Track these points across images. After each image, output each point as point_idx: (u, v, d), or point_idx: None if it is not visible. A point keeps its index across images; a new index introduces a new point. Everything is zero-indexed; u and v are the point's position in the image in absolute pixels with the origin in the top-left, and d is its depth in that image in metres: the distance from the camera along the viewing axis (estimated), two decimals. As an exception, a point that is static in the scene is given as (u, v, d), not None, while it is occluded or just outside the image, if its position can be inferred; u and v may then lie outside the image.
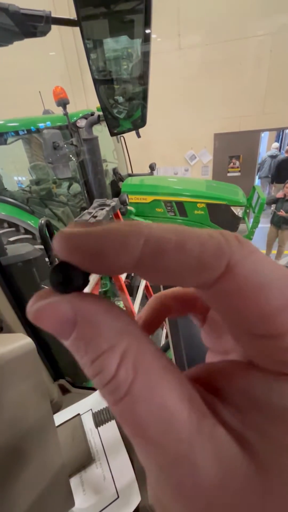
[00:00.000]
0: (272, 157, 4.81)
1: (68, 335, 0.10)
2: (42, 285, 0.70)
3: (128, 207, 2.56)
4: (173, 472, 0.08)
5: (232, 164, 4.43)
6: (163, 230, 0.09)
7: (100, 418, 0.54)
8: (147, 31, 0.69)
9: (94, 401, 0.68)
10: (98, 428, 0.55)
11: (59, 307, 0.10)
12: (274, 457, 0.08)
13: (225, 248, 0.09)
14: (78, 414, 0.63)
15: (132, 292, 2.00)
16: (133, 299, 1.76)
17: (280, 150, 4.95)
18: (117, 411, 0.09)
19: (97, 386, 0.10)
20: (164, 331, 1.75)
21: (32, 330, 0.71)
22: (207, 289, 0.10)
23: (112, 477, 0.52)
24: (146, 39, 0.71)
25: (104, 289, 2.30)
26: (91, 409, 0.66)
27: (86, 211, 1.38)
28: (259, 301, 0.09)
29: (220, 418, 0.09)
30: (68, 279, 0.10)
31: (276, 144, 5.07)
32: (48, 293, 0.10)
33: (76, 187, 2.71)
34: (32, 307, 0.10)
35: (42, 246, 0.90)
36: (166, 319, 0.21)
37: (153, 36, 0.74)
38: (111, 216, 1.48)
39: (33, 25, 0.57)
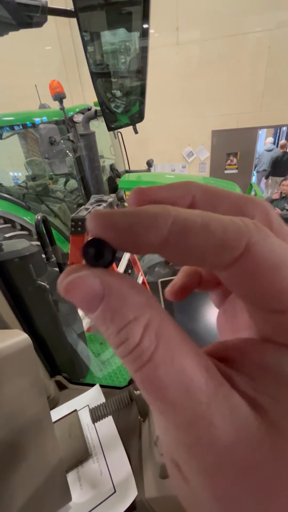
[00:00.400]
0: (269, 151, 4.82)
1: (96, 308, 0.10)
2: (39, 281, 0.69)
3: (125, 204, 2.55)
4: (191, 431, 0.09)
5: (229, 161, 4.43)
6: (189, 213, 0.10)
7: (97, 414, 0.54)
8: (145, 25, 0.68)
9: (91, 397, 0.68)
10: (95, 423, 0.56)
11: (89, 281, 0.10)
12: (284, 418, 0.09)
13: (245, 231, 0.10)
14: (75, 410, 0.64)
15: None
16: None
17: (275, 144, 4.96)
18: (139, 376, 0.10)
19: (121, 354, 0.10)
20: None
21: (28, 326, 0.70)
22: (225, 269, 0.11)
23: (109, 472, 0.53)
24: (145, 33, 0.70)
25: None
26: (88, 405, 0.66)
27: (83, 207, 1.37)
28: (275, 278, 0.10)
29: (234, 385, 0.10)
30: (100, 254, 0.11)
31: (271, 139, 5.08)
32: (77, 268, 0.11)
33: (73, 183, 2.69)
34: (63, 280, 0.11)
35: (38, 242, 0.89)
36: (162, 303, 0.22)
37: (151, 31, 0.73)
38: (108, 212, 1.48)
39: (28, 15, 0.56)
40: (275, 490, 0.09)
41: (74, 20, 0.66)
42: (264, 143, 5.05)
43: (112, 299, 0.10)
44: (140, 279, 1.86)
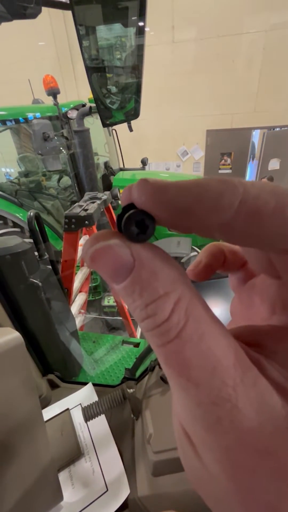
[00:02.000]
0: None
1: (123, 279, 0.10)
2: (31, 279, 0.68)
3: (120, 202, 2.54)
4: (213, 411, 0.09)
5: (223, 161, 4.45)
6: (260, 190, 0.09)
7: (89, 413, 0.54)
8: (141, 23, 0.67)
9: (83, 396, 0.68)
10: (88, 422, 0.55)
11: (119, 250, 0.10)
12: None
13: None
14: (67, 409, 0.63)
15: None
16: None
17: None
18: (163, 351, 0.10)
19: (146, 328, 0.10)
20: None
21: (20, 324, 0.69)
22: None
23: (101, 471, 0.52)
24: (141, 31, 0.69)
25: (94, 284, 2.29)
26: (80, 404, 0.66)
27: (77, 204, 1.36)
28: None
29: (263, 371, 0.10)
30: (142, 229, 0.10)
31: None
32: (105, 235, 0.10)
33: (66, 180, 2.66)
34: (91, 247, 0.10)
35: (31, 240, 0.88)
36: None
37: (146, 29, 0.72)
38: (102, 210, 1.47)
39: (22, 5, 0.54)
40: None
41: (69, 14, 0.64)
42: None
43: (143, 272, 0.10)
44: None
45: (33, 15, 0.56)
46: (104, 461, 0.54)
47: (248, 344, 0.11)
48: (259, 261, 0.14)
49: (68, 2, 0.51)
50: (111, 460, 0.54)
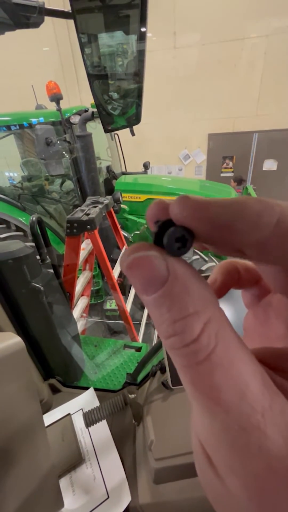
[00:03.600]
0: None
1: (154, 290, 0.10)
2: (33, 283, 0.68)
3: (122, 205, 2.55)
4: (241, 436, 0.09)
5: (225, 164, 4.46)
6: None
7: (91, 418, 0.53)
8: (143, 29, 0.68)
9: (85, 401, 0.68)
10: (89, 428, 0.55)
11: (156, 262, 0.10)
12: None
13: None
14: (69, 414, 0.63)
15: (125, 291, 1.99)
16: (126, 298, 1.75)
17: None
18: (190, 372, 0.10)
19: (172, 345, 0.10)
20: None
21: (22, 328, 0.69)
22: None
23: (102, 477, 0.52)
24: (142, 37, 0.70)
25: (96, 288, 2.29)
26: (82, 409, 0.65)
27: (79, 208, 1.36)
28: None
29: None
30: (183, 244, 0.11)
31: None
32: (143, 246, 0.11)
33: (69, 184, 2.68)
34: (129, 256, 0.10)
35: (33, 243, 0.88)
36: None
37: (148, 34, 0.73)
38: (104, 214, 1.47)
39: (25, 15, 0.56)
40: None
41: (71, 22, 0.66)
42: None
43: (176, 286, 0.10)
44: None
45: (36, 25, 0.57)
46: (105, 468, 0.53)
47: (271, 368, 0.11)
48: (279, 280, 0.14)
49: (70, 11, 0.52)
50: (112, 467, 0.53)
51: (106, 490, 0.50)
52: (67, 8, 0.59)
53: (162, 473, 0.46)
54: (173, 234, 0.11)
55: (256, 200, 0.10)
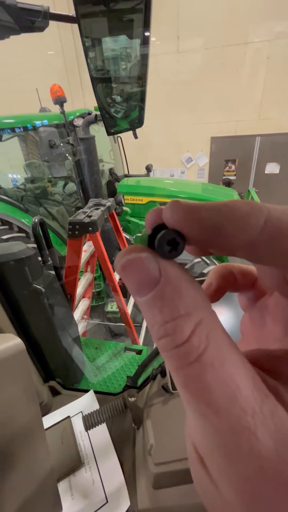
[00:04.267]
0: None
1: (147, 292, 0.10)
2: (34, 285, 0.68)
3: (124, 208, 2.55)
4: (232, 438, 0.09)
5: (228, 167, 4.46)
6: (282, 212, 0.10)
7: (90, 421, 0.53)
8: (146, 33, 0.69)
9: (84, 404, 0.67)
10: (88, 431, 0.55)
11: (149, 263, 0.10)
12: None
13: None
14: (68, 417, 0.62)
15: (126, 293, 1.99)
16: (127, 300, 1.75)
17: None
18: (182, 374, 0.10)
19: (164, 347, 0.10)
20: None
21: (22, 330, 0.69)
22: None
23: (101, 481, 0.51)
24: (145, 41, 0.70)
25: (97, 290, 2.29)
26: (81, 412, 0.65)
27: (81, 210, 1.37)
28: None
29: (280, 399, 0.10)
30: (174, 247, 0.11)
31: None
32: (137, 249, 0.11)
33: (72, 186, 2.69)
34: (123, 258, 0.11)
35: (35, 245, 0.88)
36: None
37: (152, 38, 0.73)
38: (106, 216, 1.48)
39: (30, 19, 0.56)
40: None
41: (76, 26, 0.66)
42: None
43: (168, 288, 0.10)
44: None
45: (41, 29, 0.58)
46: (104, 472, 0.53)
47: (264, 370, 0.11)
48: (274, 279, 0.14)
49: (75, 15, 0.52)
50: (111, 471, 0.53)
51: (105, 495, 0.49)
52: (72, 12, 0.59)
53: (162, 478, 0.46)
54: (163, 237, 0.11)
55: (244, 202, 0.10)
